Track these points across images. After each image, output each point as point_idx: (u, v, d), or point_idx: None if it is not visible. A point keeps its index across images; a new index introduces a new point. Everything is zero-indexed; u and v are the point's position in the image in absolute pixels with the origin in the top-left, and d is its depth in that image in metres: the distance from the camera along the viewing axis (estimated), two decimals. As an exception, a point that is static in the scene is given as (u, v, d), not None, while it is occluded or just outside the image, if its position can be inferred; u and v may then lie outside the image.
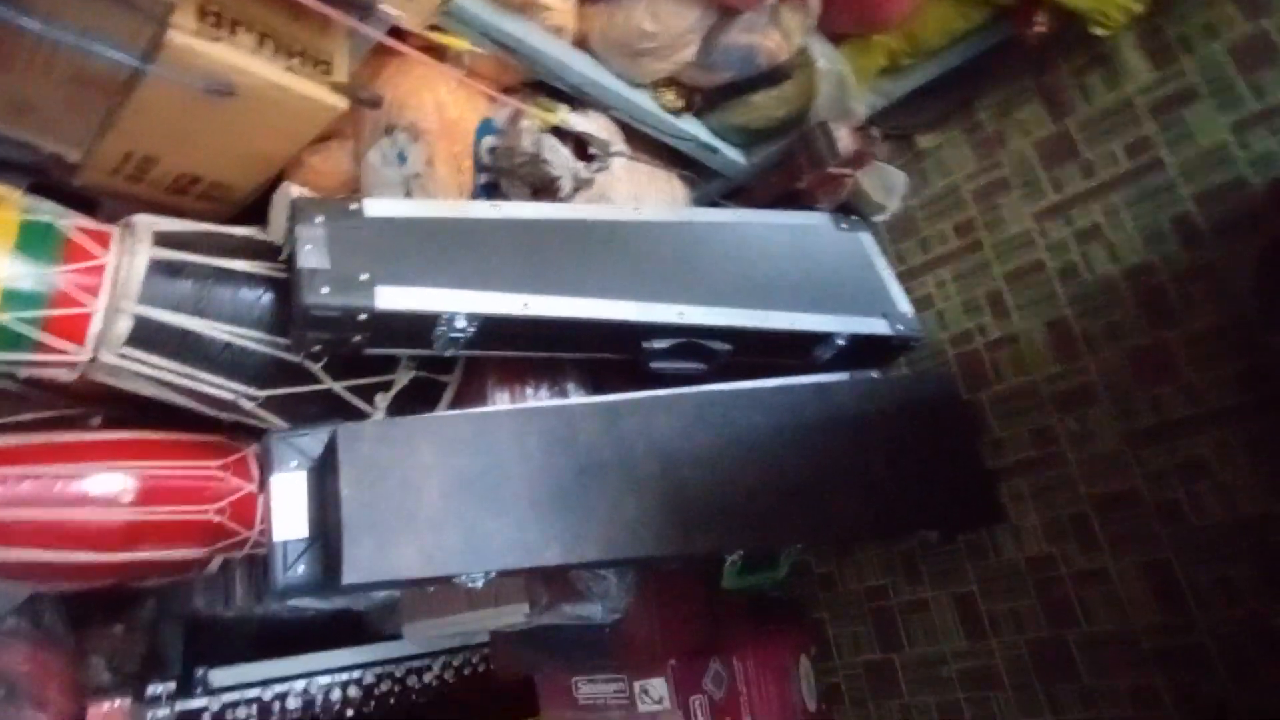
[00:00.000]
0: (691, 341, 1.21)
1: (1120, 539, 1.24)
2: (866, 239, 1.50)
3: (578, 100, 1.30)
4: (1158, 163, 1.27)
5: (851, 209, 1.52)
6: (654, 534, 0.96)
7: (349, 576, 0.78)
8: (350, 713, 1.43)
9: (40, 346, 0.93)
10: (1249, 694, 1.10)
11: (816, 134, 1.36)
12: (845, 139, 1.35)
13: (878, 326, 1.37)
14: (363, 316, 0.96)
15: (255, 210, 1.23)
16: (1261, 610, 1.11)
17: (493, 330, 1.06)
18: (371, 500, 0.81)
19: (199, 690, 1.34)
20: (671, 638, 1.22)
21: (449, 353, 1.08)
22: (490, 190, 1.33)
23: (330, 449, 0.84)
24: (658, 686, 1.18)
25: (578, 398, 1.27)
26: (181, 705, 1.32)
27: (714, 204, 1.55)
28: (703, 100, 1.42)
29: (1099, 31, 1.25)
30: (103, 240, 1.00)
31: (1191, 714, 1.15)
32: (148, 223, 1.03)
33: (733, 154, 1.53)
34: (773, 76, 1.38)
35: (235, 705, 1.32)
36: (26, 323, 0.92)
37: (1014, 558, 1.34)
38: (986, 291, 1.42)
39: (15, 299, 0.91)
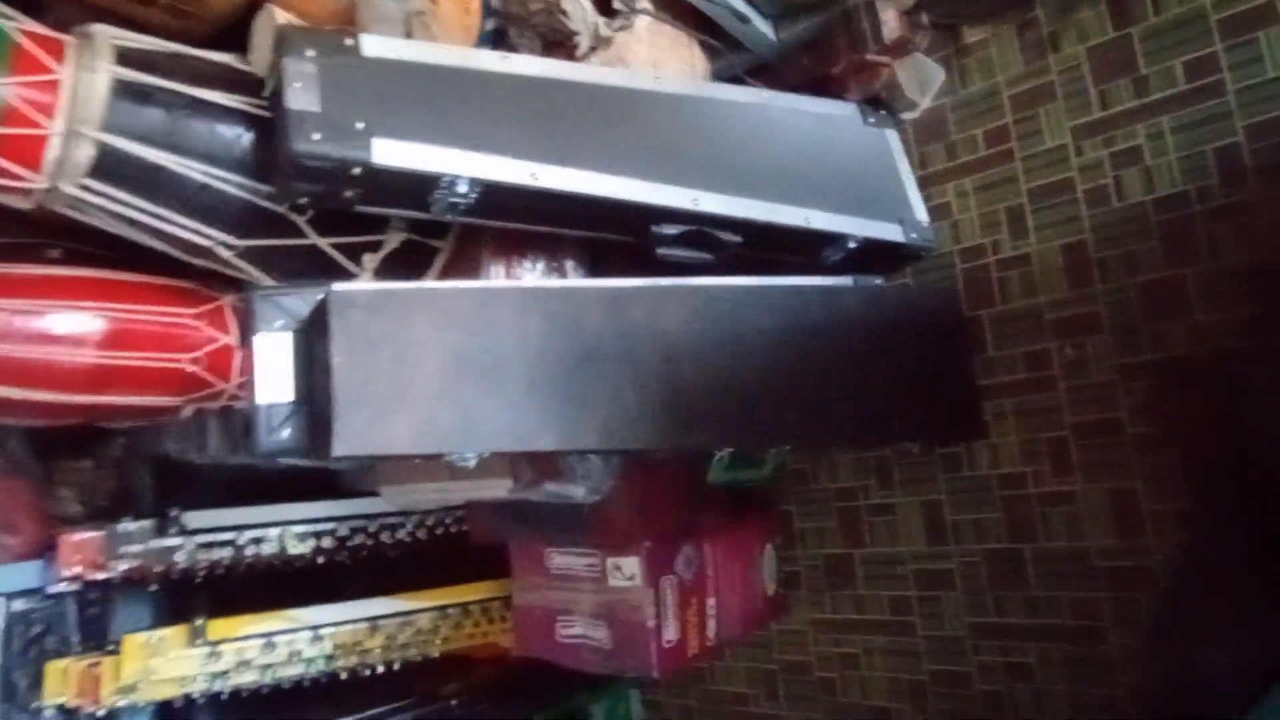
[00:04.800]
0: (701, 230, 1.15)
1: (1093, 466, 1.26)
2: (892, 137, 1.42)
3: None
4: (1218, 85, 1.19)
5: (881, 103, 1.42)
6: (651, 427, 0.94)
7: (339, 449, 0.75)
8: (321, 560, 1.45)
9: (-8, 169, 0.84)
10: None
11: (860, 14, 1.25)
12: (891, 23, 1.24)
13: (892, 233, 1.32)
14: (356, 170, 0.88)
15: (232, 37, 1.09)
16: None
17: (495, 199, 0.99)
18: (364, 371, 0.77)
19: (173, 530, 1.34)
20: (649, 522, 1.24)
21: (446, 217, 1.00)
22: (498, 38, 1.21)
23: (321, 312, 0.79)
24: (630, 565, 1.21)
25: (576, 277, 1.21)
26: (155, 543, 1.32)
27: (738, 80, 1.43)
28: (740, -41, 1.28)
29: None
30: (56, 51, 0.88)
31: (1121, 626, 1.23)
32: (109, 35, 0.91)
33: (764, 27, 1.40)
34: (821, -60, 1.24)
35: (209, 547, 1.33)
36: (-25, 141, 0.82)
37: (986, 473, 1.36)
38: (1008, 207, 1.36)
39: (-41, 111, 0.80)
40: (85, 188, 0.89)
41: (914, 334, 1.29)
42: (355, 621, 1.40)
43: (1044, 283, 1.33)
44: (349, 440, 0.76)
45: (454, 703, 1.61)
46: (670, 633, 1.23)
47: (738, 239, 1.18)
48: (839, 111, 1.38)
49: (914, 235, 1.34)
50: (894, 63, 1.31)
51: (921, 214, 1.37)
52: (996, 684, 1.35)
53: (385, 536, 1.49)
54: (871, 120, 1.40)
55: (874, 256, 1.33)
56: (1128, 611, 1.23)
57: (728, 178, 1.16)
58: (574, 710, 1.69)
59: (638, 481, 1.23)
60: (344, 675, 1.45)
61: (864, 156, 1.36)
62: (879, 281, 1.33)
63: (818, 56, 1.33)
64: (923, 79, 1.42)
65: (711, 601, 1.32)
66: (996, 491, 1.35)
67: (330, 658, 1.39)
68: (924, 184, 1.43)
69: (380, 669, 1.48)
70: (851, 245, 1.27)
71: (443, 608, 1.48)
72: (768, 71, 1.46)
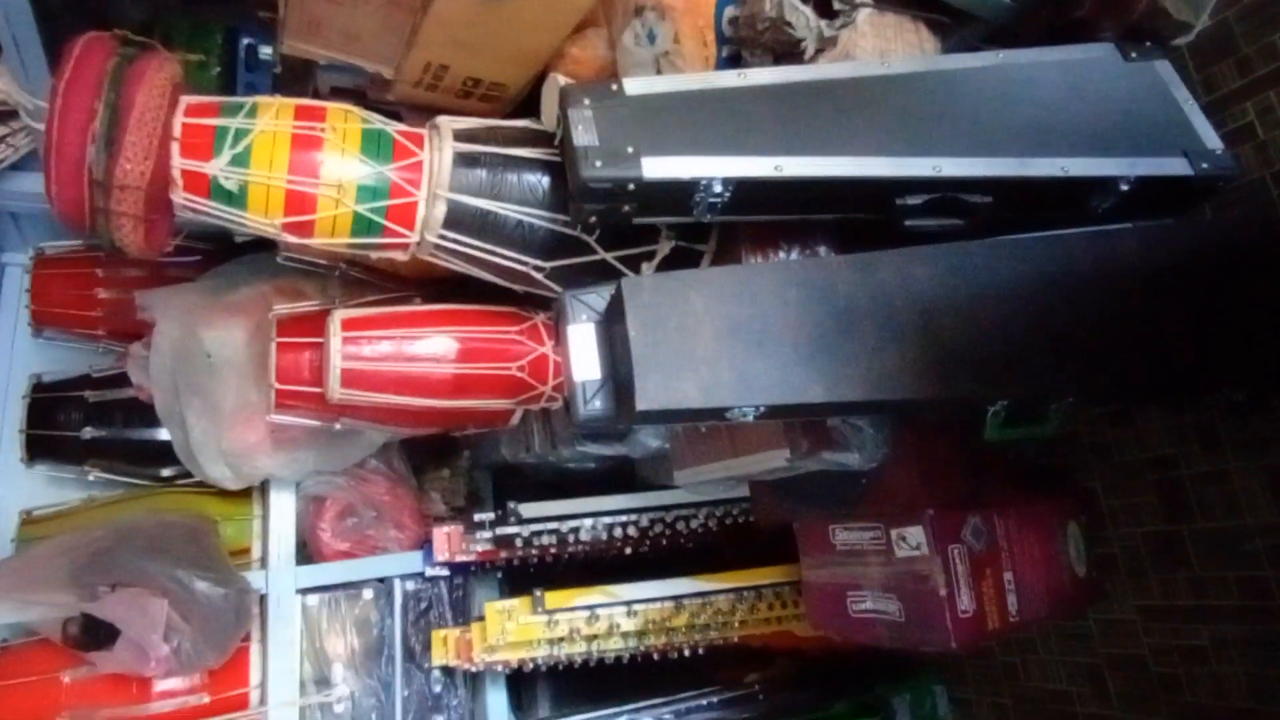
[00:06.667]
0: (948, 196, 1.16)
1: None
2: (1163, 68, 1.31)
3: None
4: None
5: (1143, 33, 1.32)
6: (913, 378, 0.98)
7: (642, 404, 0.90)
8: (629, 550, 1.65)
9: (386, 230, 1.15)
10: None
11: (1100, -55, 1.20)
12: (1138, -55, 1.17)
13: (1175, 167, 1.21)
14: (631, 186, 1.06)
15: (523, 107, 1.38)
16: None
17: (747, 194, 1.11)
18: (655, 340, 0.93)
19: (512, 520, 1.62)
20: (928, 488, 1.24)
21: (707, 218, 1.15)
22: (733, 62, 1.35)
23: (617, 299, 0.96)
24: (915, 534, 1.22)
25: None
26: (500, 530, 1.61)
27: (973, 50, 1.42)
28: (960, -71, 1.30)
29: None
30: (417, 140, 1.19)
31: None
32: (448, 122, 1.20)
33: (994, -11, 1.39)
34: (1046, -114, 1.22)
35: (540, 534, 1.59)
36: (376, 212, 1.13)
37: (1349, 423, 1.16)
38: (1331, 108, 1.19)
39: (366, 193, 1.13)
40: (441, 236, 1.18)
41: (1222, 271, 1.17)
42: (662, 600, 1.56)
43: (1398, 189, 1.12)
44: (648, 398, 0.91)
45: (757, 689, 1.70)
46: (965, 602, 1.21)
47: (987, 199, 1.17)
48: (1091, 54, 1.31)
49: (1205, 165, 1.21)
50: (1151, -12, 1.22)
51: (1213, 141, 1.24)
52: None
53: (681, 526, 1.65)
54: (1134, 55, 1.31)
55: (1157, 198, 1.23)
56: None
57: (969, 141, 1.17)
58: (874, 701, 1.68)
59: (914, 448, 1.25)
60: (655, 656, 1.61)
61: (1128, 94, 1.27)
62: (1167, 222, 1.22)
63: (1056, 5, 1.28)
64: (1193, -2, 1.29)
65: (1008, 575, 1.27)
66: (1365, 442, 1.14)
67: (642, 634, 1.57)
68: (1215, 109, 1.29)
69: (686, 652, 1.62)
70: (1124, 188, 1.20)
71: (738, 590, 1.59)
72: (1006, 35, 1.43)
